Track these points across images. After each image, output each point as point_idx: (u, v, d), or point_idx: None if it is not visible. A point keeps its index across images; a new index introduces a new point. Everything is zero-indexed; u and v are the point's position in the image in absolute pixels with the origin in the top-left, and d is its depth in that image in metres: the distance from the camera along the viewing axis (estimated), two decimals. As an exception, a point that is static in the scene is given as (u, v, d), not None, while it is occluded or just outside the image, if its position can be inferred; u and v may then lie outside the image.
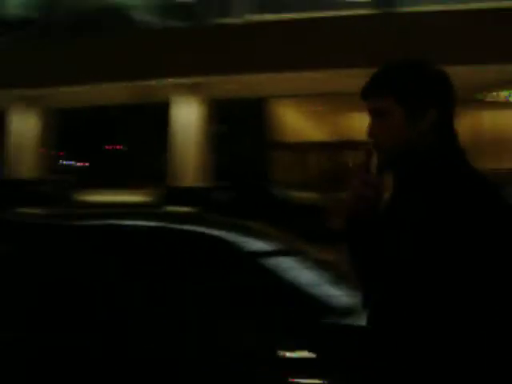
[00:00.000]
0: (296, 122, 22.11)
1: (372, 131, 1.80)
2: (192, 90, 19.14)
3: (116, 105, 21.57)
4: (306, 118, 22.12)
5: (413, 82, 1.74)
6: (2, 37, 22.25)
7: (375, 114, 1.79)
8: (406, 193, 1.75)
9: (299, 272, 3.11)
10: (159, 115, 19.54)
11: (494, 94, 19.43)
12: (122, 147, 24.53)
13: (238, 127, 21.68)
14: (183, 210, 4.32)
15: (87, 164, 25.25)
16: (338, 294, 2.96)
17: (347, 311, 2.74)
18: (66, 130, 22.61)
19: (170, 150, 19.60)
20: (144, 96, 18.67)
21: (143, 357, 2.60)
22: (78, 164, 25.42)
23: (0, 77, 19.48)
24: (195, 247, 2.95)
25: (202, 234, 3.07)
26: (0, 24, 23.04)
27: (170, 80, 18.51)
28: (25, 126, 21.66)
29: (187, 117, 19.53)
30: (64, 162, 25.21)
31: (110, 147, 24.53)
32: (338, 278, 3.11)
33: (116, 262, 2.82)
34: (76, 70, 18.78)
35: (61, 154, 24.71)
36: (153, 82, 18.53)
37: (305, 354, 2.61)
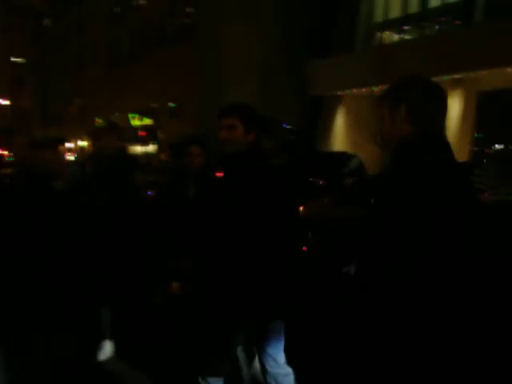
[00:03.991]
0: None
1: (224, 137, 3.36)
2: None
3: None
4: None
5: (250, 113, 3.46)
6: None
7: (227, 127, 3.37)
8: (234, 174, 3.39)
9: None
10: None
11: None
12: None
13: None
14: None
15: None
16: None
17: None
18: (488, 113, 22.31)
19: None
20: None
21: None
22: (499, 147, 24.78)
23: (428, 63, 20.40)
24: None
25: None
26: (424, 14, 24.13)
27: None
28: (454, 110, 22.20)
29: None
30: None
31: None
32: None
33: None
34: (499, 53, 18.50)
35: (480, 136, 24.53)
36: None
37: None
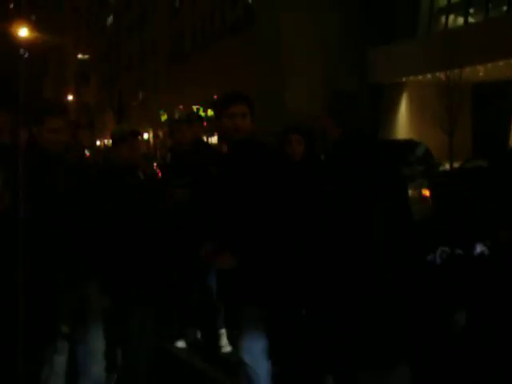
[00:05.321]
0: None
1: (239, 125, 3.39)
2: None
3: None
4: None
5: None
6: None
7: (241, 115, 3.41)
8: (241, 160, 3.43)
9: None
10: None
11: None
12: None
13: None
14: None
15: None
16: None
17: None
18: None
19: None
20: None
21: None
22: None
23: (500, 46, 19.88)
24: None
25: None
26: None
27: None
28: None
29: None
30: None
31: None
32: None
33: None
34: None
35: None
36: None
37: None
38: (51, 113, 3.26)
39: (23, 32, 35.03)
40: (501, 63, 21.53)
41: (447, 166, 19.65)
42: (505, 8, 23.70)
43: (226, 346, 5.35)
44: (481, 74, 23.21)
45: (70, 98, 61.84)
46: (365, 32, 27.47)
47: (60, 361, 3.35)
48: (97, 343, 3.52)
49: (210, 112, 34.02)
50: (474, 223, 4.75)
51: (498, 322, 3.92)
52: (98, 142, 45.75)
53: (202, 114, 34.84)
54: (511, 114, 22.32)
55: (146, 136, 49.04)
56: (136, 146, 4.22)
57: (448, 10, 26.03)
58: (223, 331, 5.39)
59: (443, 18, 26.24)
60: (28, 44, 42.38)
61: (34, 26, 45.68)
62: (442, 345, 4.05)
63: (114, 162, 4.20)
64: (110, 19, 54.48)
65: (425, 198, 7.72)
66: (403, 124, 26.47)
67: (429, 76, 23.78)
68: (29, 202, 3.10)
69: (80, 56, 56.31)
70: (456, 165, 17.06)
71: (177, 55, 41.62)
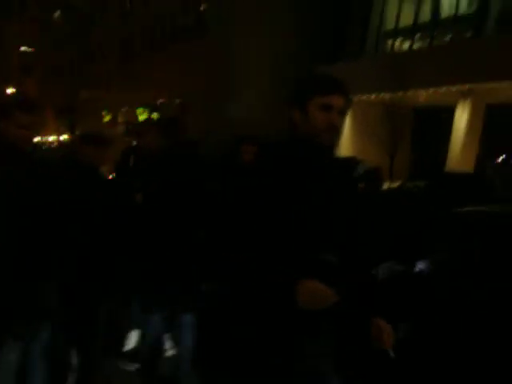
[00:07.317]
0: None
1: (336, 123, 2.32)
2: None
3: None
4: None
5: None
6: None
7: (340, 110, 2.34)
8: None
9: None
10: None
11: None
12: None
13: None
14: None
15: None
16: None
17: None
18: (496, 127, 22.37)
19: None
20: None
21: None
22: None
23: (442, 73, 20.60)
24: None
25: None
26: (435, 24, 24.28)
27: None
28: (462, 121, 22.36)
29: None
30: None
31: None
32: None
33: None
34: (510, 66, 18.68)
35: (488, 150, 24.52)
36: None
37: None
38: (21, 108, 3.12)
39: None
40: (442, 90, 22.23)
41: (386, 186, 20.11)
42: (449, 37, 24.54)
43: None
44: (422, 99, 23.90)
45: (10, 90, 60.16)
46: (315, 49, 27.91)
47: (10, 360, 3.25)
48: (48, 342, 3.45)
49: (154, 115, 33.79)
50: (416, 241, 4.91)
51: (436, 335, 4.07)
52: (36, 139, 44.55)
53: (144, 116, 34.61)
54: (449, 139, 23.03)
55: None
56: (102, 152, 4.13)
57: (395, 33, 26.76)
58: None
59: (390, 41, 26.95)
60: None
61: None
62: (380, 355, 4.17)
63: (75, 161, 4.12)
64: (57, 14, 53.39)
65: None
66: (345, 141, 26.91)
67: (373, 96, 24.33)
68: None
69: (24, 48, 54.92)
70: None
71: (126, 57, 41.18)
